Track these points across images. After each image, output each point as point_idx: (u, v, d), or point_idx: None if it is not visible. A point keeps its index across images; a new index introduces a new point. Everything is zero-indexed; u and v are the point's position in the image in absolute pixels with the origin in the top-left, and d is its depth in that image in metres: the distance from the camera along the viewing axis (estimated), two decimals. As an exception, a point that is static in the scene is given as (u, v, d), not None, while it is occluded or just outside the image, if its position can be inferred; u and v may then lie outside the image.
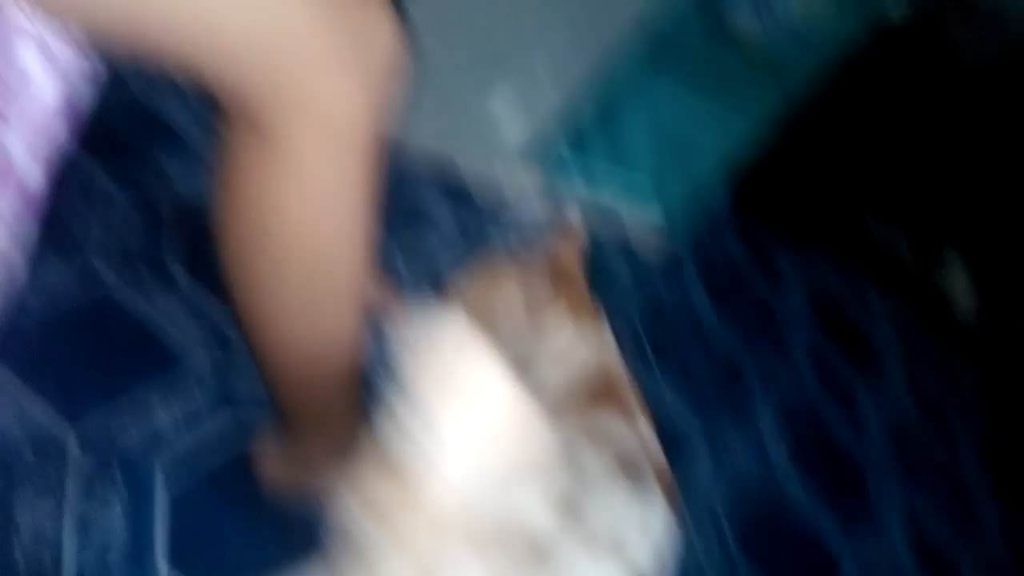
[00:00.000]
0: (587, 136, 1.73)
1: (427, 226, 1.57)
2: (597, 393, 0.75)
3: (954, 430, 2.28)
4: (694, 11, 1.69)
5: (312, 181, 0.69)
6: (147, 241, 1.20)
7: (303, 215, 0.71)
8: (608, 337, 0.77)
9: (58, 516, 0.88)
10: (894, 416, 2.14)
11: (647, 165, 1.82)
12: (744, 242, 2.31)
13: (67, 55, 0.58)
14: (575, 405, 0.74)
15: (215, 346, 1.14)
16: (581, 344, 0.74)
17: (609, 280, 1.82)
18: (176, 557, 0.91)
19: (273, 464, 1.01)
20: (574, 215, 0.82)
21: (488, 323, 0.71)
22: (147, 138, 1.34)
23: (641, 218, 1.87)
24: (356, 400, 0.96)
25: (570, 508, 0.64)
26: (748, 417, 1.75)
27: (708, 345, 1.85)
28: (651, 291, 1.87)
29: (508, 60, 1.61)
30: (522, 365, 0.72)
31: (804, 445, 1.78)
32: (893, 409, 2.16)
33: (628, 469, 0.72)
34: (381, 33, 0.69)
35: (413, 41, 0.74)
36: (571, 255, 0.80)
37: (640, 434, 0.75)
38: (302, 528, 1.00)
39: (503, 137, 1.69)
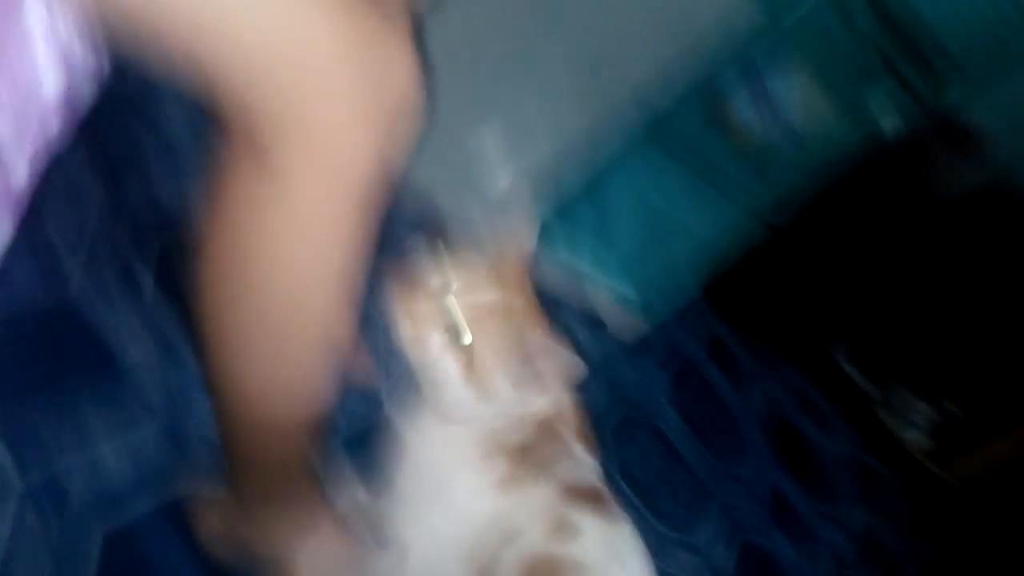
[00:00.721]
0: (572, 203, 1.72)
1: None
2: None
3: None
4: (695, 94, 1.70)
5: (304, 213, 0.66)
6: (120, 247, 1.14)
7: (288, 245, 0.67)
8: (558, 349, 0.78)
9: None
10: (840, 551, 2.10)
11: (627, 244, 1.82)
12: (710, 337, 2.32)
13: (77, 49, 0.55)
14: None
15: (172, 375, 1.07)
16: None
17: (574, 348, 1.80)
18: None
19: (214, 518, 0.94)
20: (523, 224, 0.85)
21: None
22: (137, 140, 1.29)
23: (614, 294, 1.86)
24: (310, 464, 0.91)
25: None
26: (696, 526, 1.72)
27: (666, 442, 1.83)
28: (617, 368, 1.86)
29: (502, 104, 1.60)
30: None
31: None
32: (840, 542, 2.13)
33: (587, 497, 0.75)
34: (402, 73, 0.66)
35: (431, 84, 0.73)
36: (517, 259, 0.82)
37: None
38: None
39: (485, 183, 1.68)
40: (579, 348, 1.81)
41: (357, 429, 1.21)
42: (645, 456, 1.72)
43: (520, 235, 0.83)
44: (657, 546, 1.54)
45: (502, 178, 1.67)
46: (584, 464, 0.82)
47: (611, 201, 1.72)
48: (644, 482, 1.65)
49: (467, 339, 0.72)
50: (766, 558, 1.81)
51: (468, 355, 0.73)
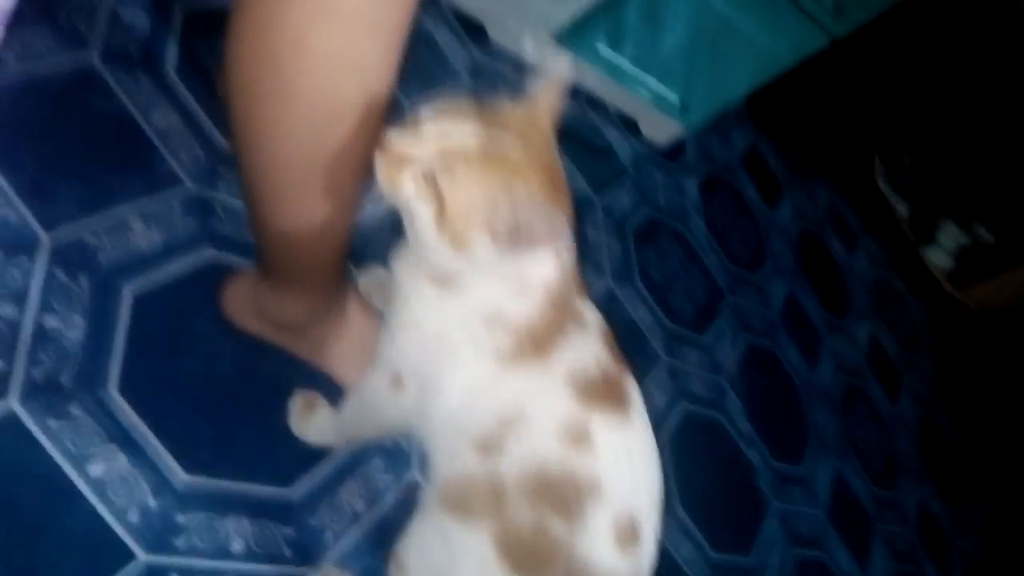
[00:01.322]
0: (625, 36, 1.64)
1: (442, 74, 1.51)
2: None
3: (901, 401, 2.33)
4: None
5: (334, 4, 0.65)
6: (150, 37, 1.10)
7: (319, 38, 0.67)
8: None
9: (16, 324, 0.84)
10: (847, 366, 2.17)
11: (674, 42, 1.73)
12: (746, 147, 2.27)
13: None
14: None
15: (196, 144, 1.08)
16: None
17: (607, 154, 1.79)
18: (129, 388, 0.89)
19: (243, 308, 0.99)
20: (564, 67, 0.77)
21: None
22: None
23: (653, 95, 1.81)
24: (342, 262, 0.94)
25: None
26: (709, 336, 1.78)
27: (689, 248, 1.86)
28: (647, 175, 1.85)
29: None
30: None
31: (755, 376, 1.82)
32: (848, 359, 2.19)
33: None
34: None
35: None
36: (547, 108, 0.76)
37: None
38: (257, 376, 1.00)
39: (540, 14, 1.60)
40: (610, 148, 1.81)
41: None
42: (663, 257, 1.75)
43: (554, 88, 0.76)
44: (665, 341, 1.62)
45: (558, 13, 1.58)
46: (593, 334, 0.78)
47: (664, 34, 1.63)
48: (659, 281, 1.70)
49: (437, 181, 0.68)
50: (769, 359, 1.89)
51: (439, 200, 0.68)
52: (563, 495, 0.72)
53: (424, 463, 0.87)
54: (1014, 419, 2.54)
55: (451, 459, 0.79)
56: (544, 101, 0.76)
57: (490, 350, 0.76)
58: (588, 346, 0.78)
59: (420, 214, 0.70)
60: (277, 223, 0.81)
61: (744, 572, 1.49)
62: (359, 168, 0.78)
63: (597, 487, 0.72)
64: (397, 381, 0.82)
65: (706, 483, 1.52)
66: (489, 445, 0.75)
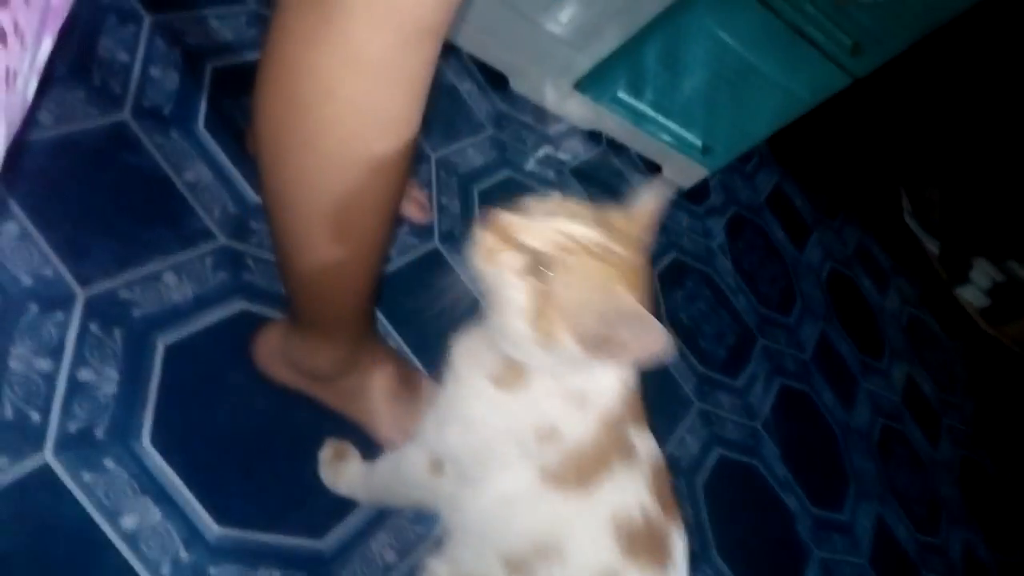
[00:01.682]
0: (639, 42, 1.66)
1: (465, 125, 1.54)
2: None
3: (941, 444, 2.27)
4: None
5: (361, 56, 0.66)
6: (180, 94, 1.13)
7: (346, 88, 0.68)
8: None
9: (52, 377, 0.85)
10: (884, 408, 2.14)
11: (695, 85, 1.75)
12: (771, 188, 2.27)
13: None
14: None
15: (226, 197, 1.10)
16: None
17: (628, 199, 1.80)
18: (161, 440, 0.89)
19: (274, 359, 0.99)
20: (666, 188, 0.75)
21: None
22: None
23: (675, 137, 1.82)
24: (370, 311, 0.95)
25: None
26: (742, 379, 1.76)
27: (717, 290, 1.84)
28: (670, 213, 1.85)
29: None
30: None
31: (790, 419, 1.80)
32: (885, 401, 2.16)
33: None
34: None
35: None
36: (646, 220, 0.73)
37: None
38: (288, 426, 1.00)
39: (561, 63, 1.63)
40: (633, 192, 1.81)
41: (407, 260, 1.25)
42: (692, 300, 1.74)
43: (655, 202, 0.75)
44: (697, 386, 1.60)
45: (577, 61, 1.60)
46: (642, 472, 0.75)
47: (681, 39, 1.64)
48: (689, 324, 1.69)
49: (549, 272, 0.64)
50: (804, 401, 1.86)
51: (543, 291, 0.65)
52: None
53: (443, 538, 0.85)
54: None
55: (476, 559, 0.79)
56: (645, 213, 0.74)
57: (537, 464, 0.74)
58: (635, 487, 0.75)
59: (515, 303, 0.67)
60: (304, 271, 0.82)
61: (787, 623, 1.44)
62: (385, 218, 0.79)
63: None
64: (437, 466, 0.81)
65: (744, 531, 1.48)
66: (519, 567, 0.75)
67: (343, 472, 0.99)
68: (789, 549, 1.56)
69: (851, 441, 1.90)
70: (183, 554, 0.85)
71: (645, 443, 0.78)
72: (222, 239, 1.07)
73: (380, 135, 0.71)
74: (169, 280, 0.99)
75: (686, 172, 1.90)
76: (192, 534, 0.87)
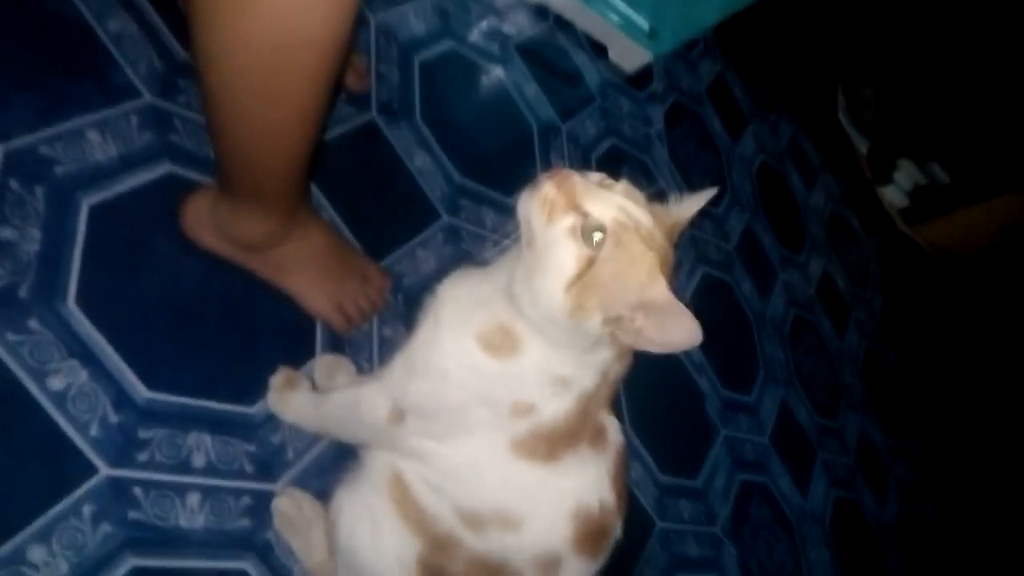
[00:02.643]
0: None
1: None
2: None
3: (848, 336, 2.38)
4: None
5: None
6: None
7: None
8: None
9: None
10: (799, 299, 2.22)
11: (646, 4, 1.72)
12: (713, 77, 2.26)
13: None
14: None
15: (164, 85, 1.04)
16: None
17: (575, 80, 1.78)
18: (87, 302, 0.88)
19: (203, 225, 0.97)
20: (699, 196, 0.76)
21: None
22: None
23: (623, 19, 1.78)
24: (304, 182, 0.93)
25: None
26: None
27: (648, 175, 1.86)
28: (612, 98, 1.84)
29: None
30: None
31: (709, 306, 1.85)
32: (799, 292, 2.23)
33: None
34: None
35: None
36: (684, 219, 0.75)
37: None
38: (217, 294, 0.99)
39: None
40: (577, 73, 1.79)
41: (343, 130, 1.23)
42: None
43: (696, 205, 0.74)
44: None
45: None
46: (608, 463, 0.78)
47: None
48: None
49: (598, 239, 0.64)
50: (724, 290, 1.93)
51: (590, 259, 0.64)
52: None
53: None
54: (956, 357, 2.64)
55: (431, 492, 0.80)
56: (686, 214, 0.74)
57: (507, 434, 0.75)
58: (600, 476, 0.77)
59: (560, 264, 0.66)
60: (235, 138, 0.80)
61: (690, 493, 1.55)
62: (323, 87, 0.77)
63: None
64: (398, 416, 0.81)
65: (656, 409, 1.56)
66: (473, 523, 0.77)
67: (291, 401, 0.98)
68: (698, 427, 1.66)
69: (764, 329, 2.00)
70: (112, 416, 0.86)
71: (613, 426, 0.80)
72: (148, 97, 1.02)
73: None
74: (92, 137, 0.95)
75: (631, 55, 1.87)
76: (120, 396, 0.87)
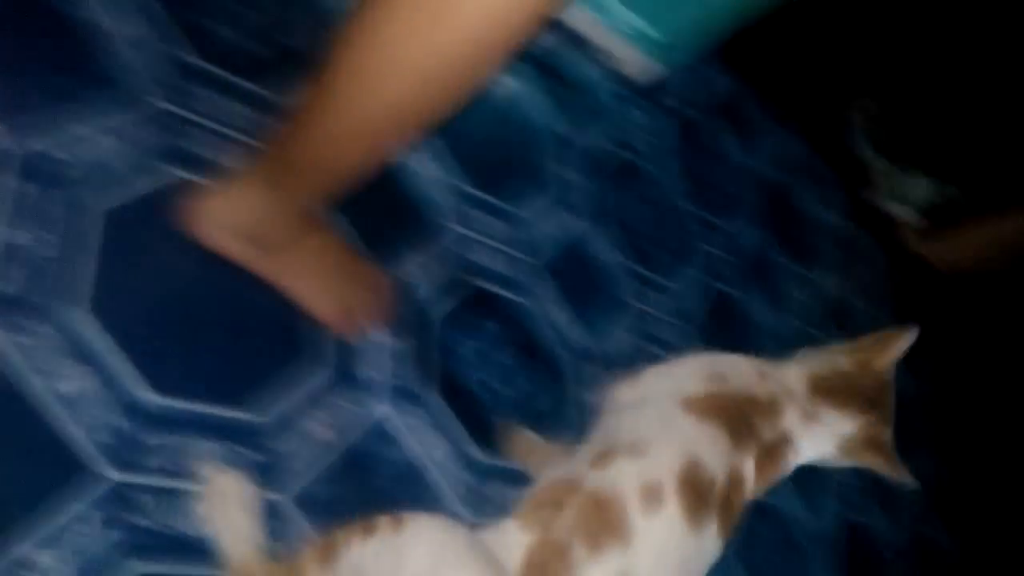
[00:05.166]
0: None
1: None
2: None
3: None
4: None
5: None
6: None
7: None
8: None
9: None
10: (808, 318, 2.21)
11: (661, 15, 1.73)
12: (726, 92, 2.26)
13: None
14: None
15: (165, 57, 1.04)
16: None
17: (586, 91, 1.78)
18: (100, 308, 0.88)
19: (215, 227, 0.95)
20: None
21: None
22: None
23: (636, 32, 1.78)
24: (342, 191, 0.91)
25: None
26: (675, 271, 1.80)
27: (661, 191, 1.86)
28: (624, 112, 1.84)
29: None
30: None
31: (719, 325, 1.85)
32: (810, 309, 2.23)
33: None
34: None
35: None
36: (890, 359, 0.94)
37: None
38: (230, 300, 1.00)
39: None
40: (589, 87, 1.78)
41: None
42: (638, 202, 1.75)
43: (894, 344, 0.86)
44: (634, 287, 1.63)
45: None
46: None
47: None
48: (632, 226, 1.71)
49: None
50: (736, 309, 1.92)
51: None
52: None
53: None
54: (968, 375, 2.61)
55: None
56: (889, 354, 0.95)
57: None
58: (724, 464, 0.85)
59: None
60: (360, 136, 0.80)
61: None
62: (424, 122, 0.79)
63: None
64: None
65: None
66: (604, 456, 0.84)
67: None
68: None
69: (770, 347, 1.99)
70: (121, 422, 0.86)
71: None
72: (162, 102, 1.03)
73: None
74: (107, 143, 0.96)
75: (644, 68, 1.87)
76: (131, 403, 0.87)
